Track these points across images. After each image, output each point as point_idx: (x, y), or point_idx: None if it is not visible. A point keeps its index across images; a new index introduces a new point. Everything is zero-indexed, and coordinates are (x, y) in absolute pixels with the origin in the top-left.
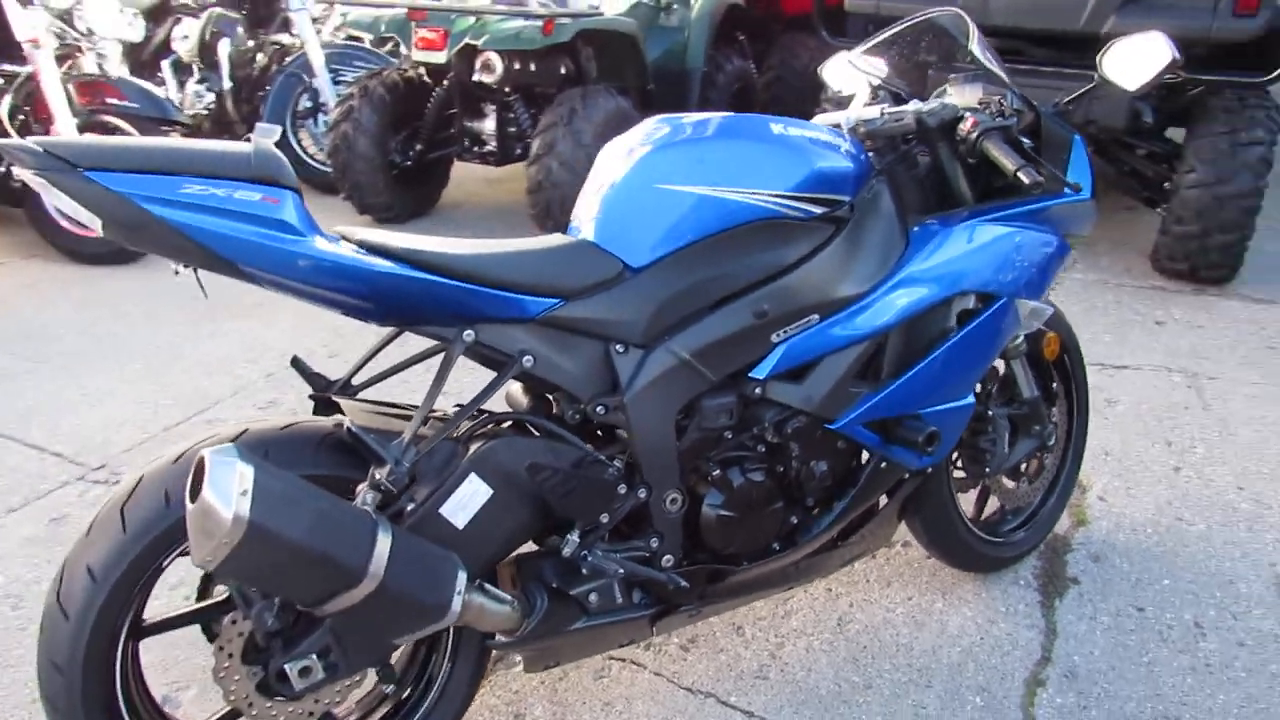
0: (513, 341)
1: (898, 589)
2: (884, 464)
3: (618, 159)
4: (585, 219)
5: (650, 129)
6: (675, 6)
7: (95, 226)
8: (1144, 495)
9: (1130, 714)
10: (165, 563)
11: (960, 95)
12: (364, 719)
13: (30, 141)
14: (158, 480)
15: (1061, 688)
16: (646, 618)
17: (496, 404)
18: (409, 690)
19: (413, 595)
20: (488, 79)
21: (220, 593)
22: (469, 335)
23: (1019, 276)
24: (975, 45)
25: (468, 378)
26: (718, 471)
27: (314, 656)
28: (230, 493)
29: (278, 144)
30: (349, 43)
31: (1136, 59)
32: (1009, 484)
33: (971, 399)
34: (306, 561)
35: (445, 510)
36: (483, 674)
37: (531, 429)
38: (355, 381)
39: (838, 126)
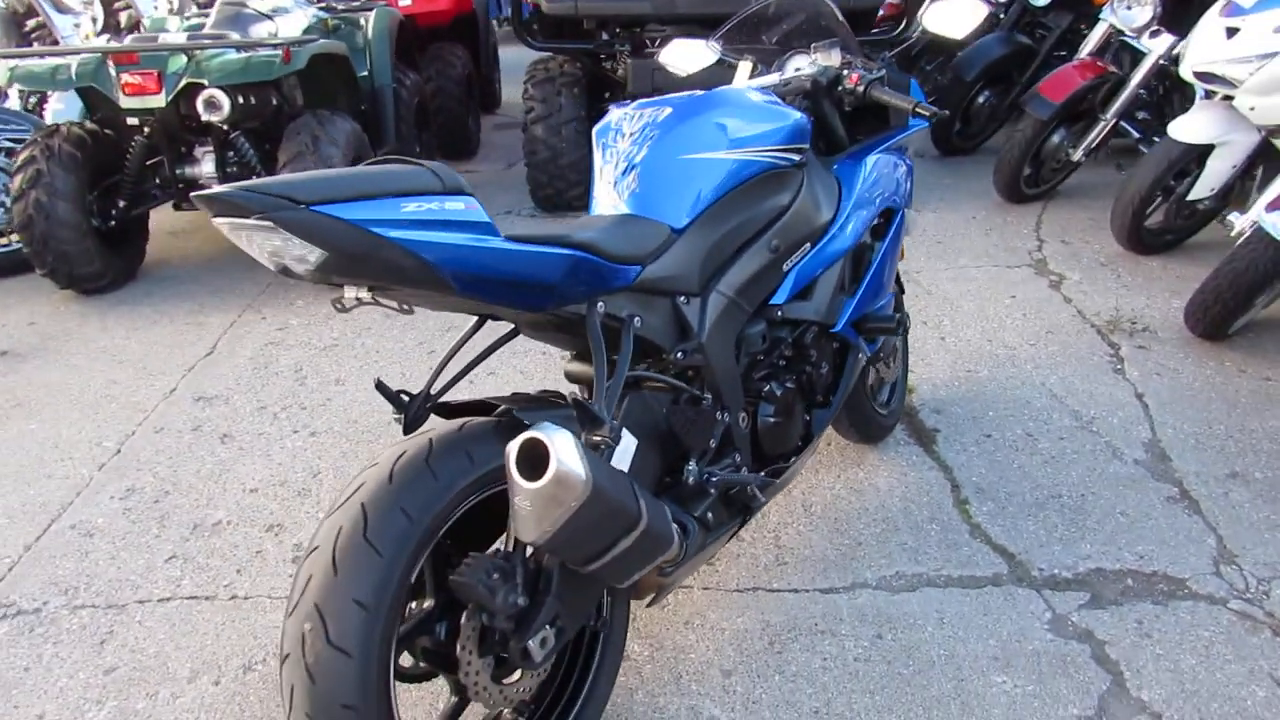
0: (622, 307)
1: (825, 474)
2: (860, 355)
3: (630, 142)
4: (614, 197)
5: (647, 114)
6: (343, 27)
7: (304, 266)
8: (937, 362)
9: (1031, 500)
10: (413, 578)
11: (826, 58)
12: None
13: (235, 188)
14: (388, 503)
15: (980, 500)
16: (735, 527)
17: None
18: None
19: (660, 530)
20: (215, 117)
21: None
22: (601, 306)
23: (904, 192)
24: (839, 17)
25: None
26: (766, 387)
27: (547, 626)
28: (577, 458)
29: None
30: None
31: (952, 15)
32: (882, 366)
33: (892, 294)
34: (613, 511)
35: (614, 462)
36: (630, 613)
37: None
38: (433, 391)
39: None
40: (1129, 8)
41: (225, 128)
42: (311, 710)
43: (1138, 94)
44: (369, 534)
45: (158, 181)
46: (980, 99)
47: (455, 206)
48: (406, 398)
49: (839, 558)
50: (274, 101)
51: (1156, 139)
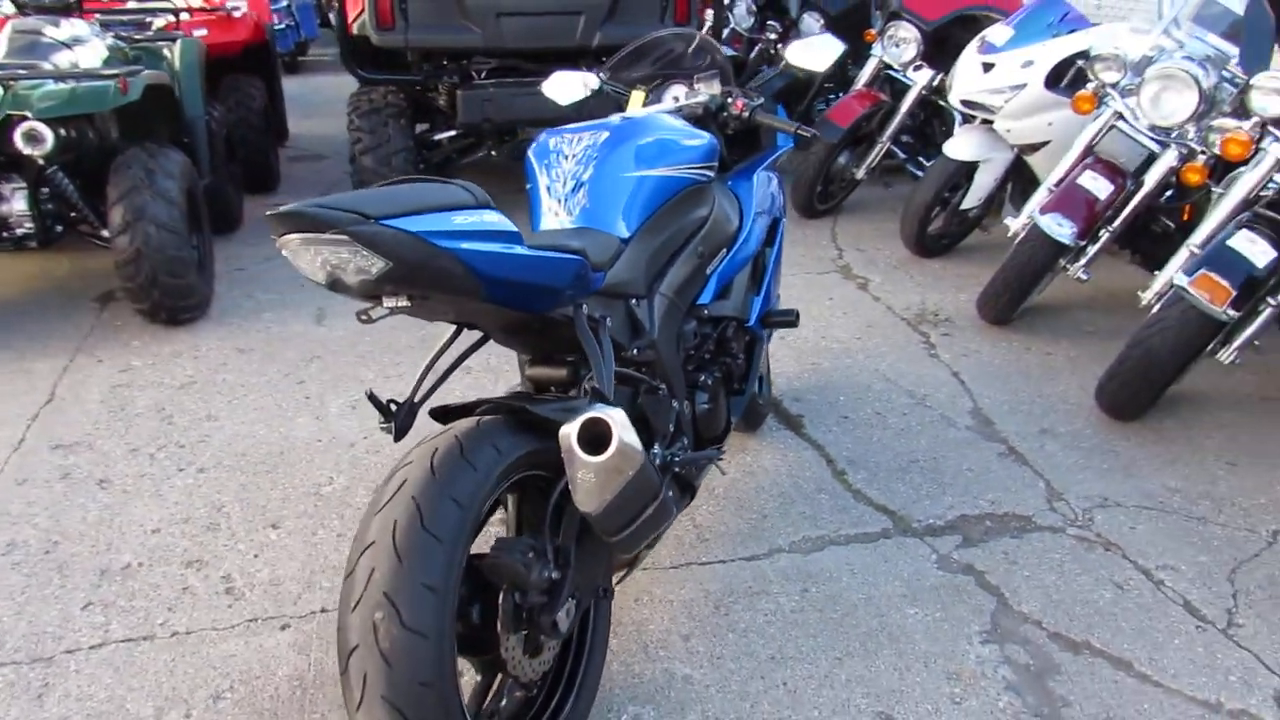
0: (595, 309)
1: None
2: (764, 347)
3: (574, 163)
4: (563, 213)
5: (586, 137)
6: (143, 58)
7: (363, 277)
8: (784, 358)
9: (895, 466)
10: (465, 561)
11: (709, 87)
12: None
13: (309, 205)
14: (438, 494)
15: (854, 470)
16: (685, 505)
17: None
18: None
19: (669, 500)
20: (37, 152)
21: None
22: (585, 308)
23: (780, 205)
24: (720, 50)
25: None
26: (701, 377)
27: (570, 599)
28: (632, 432)
29: None
30: None
31: (814, 51)
32: None
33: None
34: (648, 481)
35: None
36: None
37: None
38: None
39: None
40: (896, 46)
41: (42, 162)
42: (390, 692)
43: (905, 120)
44: (426, 524)
45: None
46: None
47: (491, 218)
48: (394, 406)
49: (751, 530)
50: (90, 134)
51: (921, 158)
